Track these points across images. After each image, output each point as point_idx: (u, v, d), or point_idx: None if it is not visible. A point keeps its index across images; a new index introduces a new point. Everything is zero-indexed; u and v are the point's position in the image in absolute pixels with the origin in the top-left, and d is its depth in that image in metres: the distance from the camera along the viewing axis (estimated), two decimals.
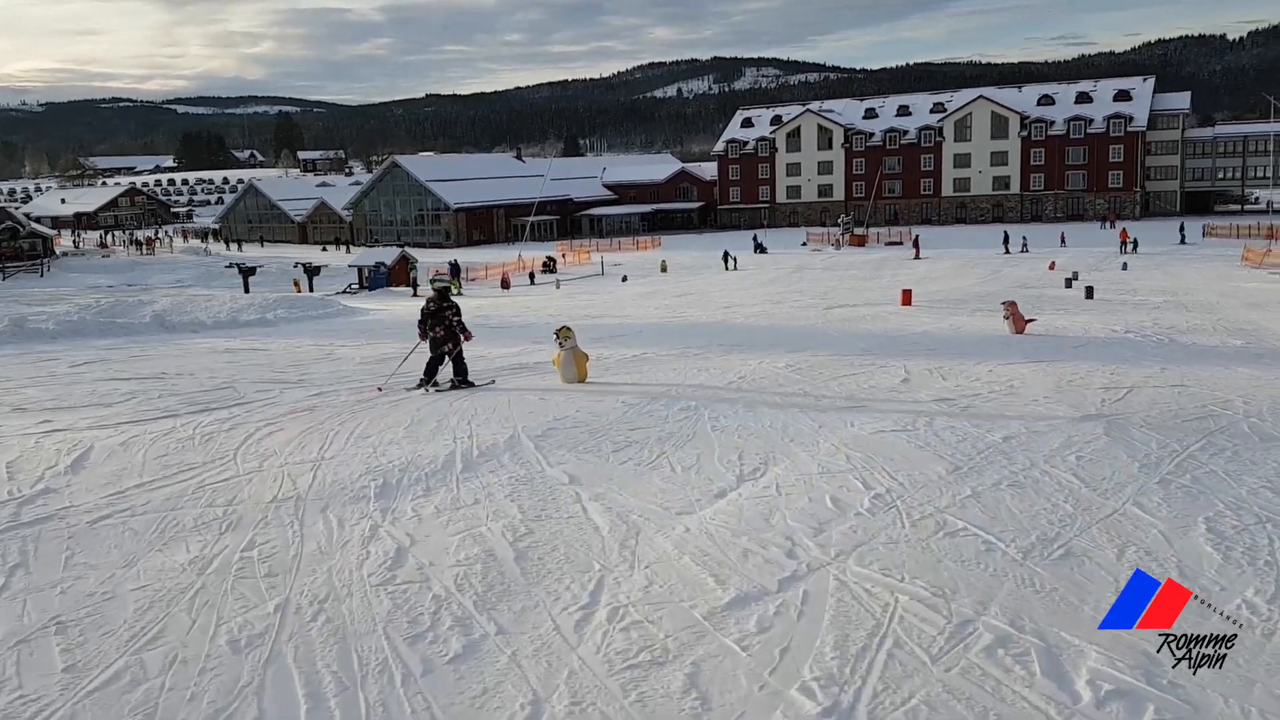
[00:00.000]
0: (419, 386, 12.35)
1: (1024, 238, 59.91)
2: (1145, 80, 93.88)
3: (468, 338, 12.77)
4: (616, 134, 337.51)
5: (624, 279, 52.58)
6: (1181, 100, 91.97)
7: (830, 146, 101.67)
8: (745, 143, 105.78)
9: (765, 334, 19.39)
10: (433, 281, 13.49)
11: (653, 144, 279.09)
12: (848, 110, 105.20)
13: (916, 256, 58.30)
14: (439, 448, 8.86)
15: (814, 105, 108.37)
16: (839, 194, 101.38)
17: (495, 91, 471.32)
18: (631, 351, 16.50)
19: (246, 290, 51.44)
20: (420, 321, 12.66)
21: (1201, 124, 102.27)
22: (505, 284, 48.12)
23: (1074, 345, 16.31)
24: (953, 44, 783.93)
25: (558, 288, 48.08)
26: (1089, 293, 28.59)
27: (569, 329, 12.77)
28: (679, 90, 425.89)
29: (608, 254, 74.99)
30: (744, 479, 7.56)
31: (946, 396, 11.19)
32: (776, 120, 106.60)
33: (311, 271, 58.89)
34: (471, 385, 12.53)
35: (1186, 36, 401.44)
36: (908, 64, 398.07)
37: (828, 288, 36.04)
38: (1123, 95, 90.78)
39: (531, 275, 54.84)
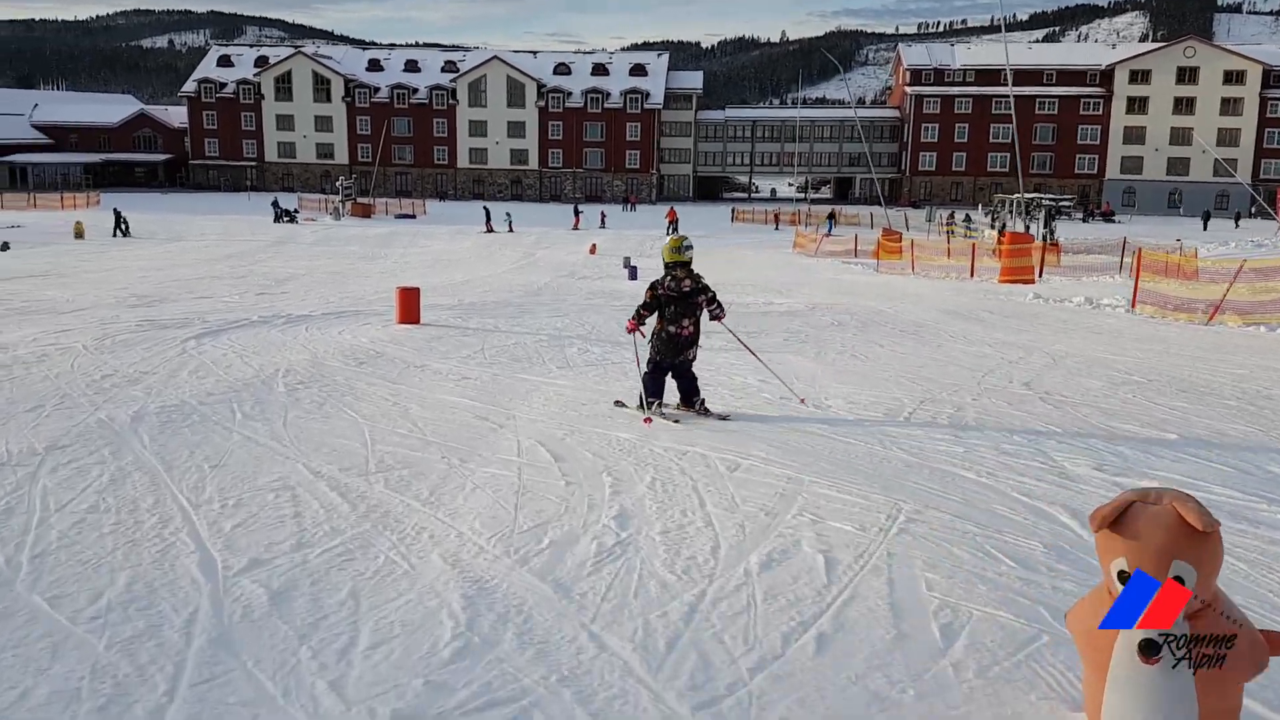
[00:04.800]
0: (643, 409, 7.23)
1: (507, 214, 52.00)
2: (660, 55, 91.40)
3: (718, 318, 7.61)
4: (94, 82, 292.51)
5: (4, 246, 36.01)
6: (694, 79, 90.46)
7: (329, 98, 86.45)
8: (223, 84, 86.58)
9: None
10: (680, 246, 7.36)
11: (142, 98, 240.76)
12: (349, 59, 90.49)
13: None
14: None
15: (308, 48, 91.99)
16: (342, 156, 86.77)
17: None
18: None
19: None
20: (642, 307, 7.35)
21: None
22: None
23: None
24: (456, 30, 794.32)
25: None
26: None
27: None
28: (171, 42, 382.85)
29: (15, 213, 54.33)
30: None
31: None
32: (262, 61, 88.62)
33: None
34: (710, 413, 7.37)
35: (667, 41, 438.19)
36: (418, 43, 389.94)
37: (289, 274, 22.83)
38: (639, 69, 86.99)
39: None
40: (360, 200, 64.47)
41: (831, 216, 57.30)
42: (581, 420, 7.01)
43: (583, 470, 5.40)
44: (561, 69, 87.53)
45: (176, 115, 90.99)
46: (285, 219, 52.55)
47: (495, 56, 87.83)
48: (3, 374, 8.00)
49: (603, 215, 57.84)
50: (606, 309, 15.49)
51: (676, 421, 7.03)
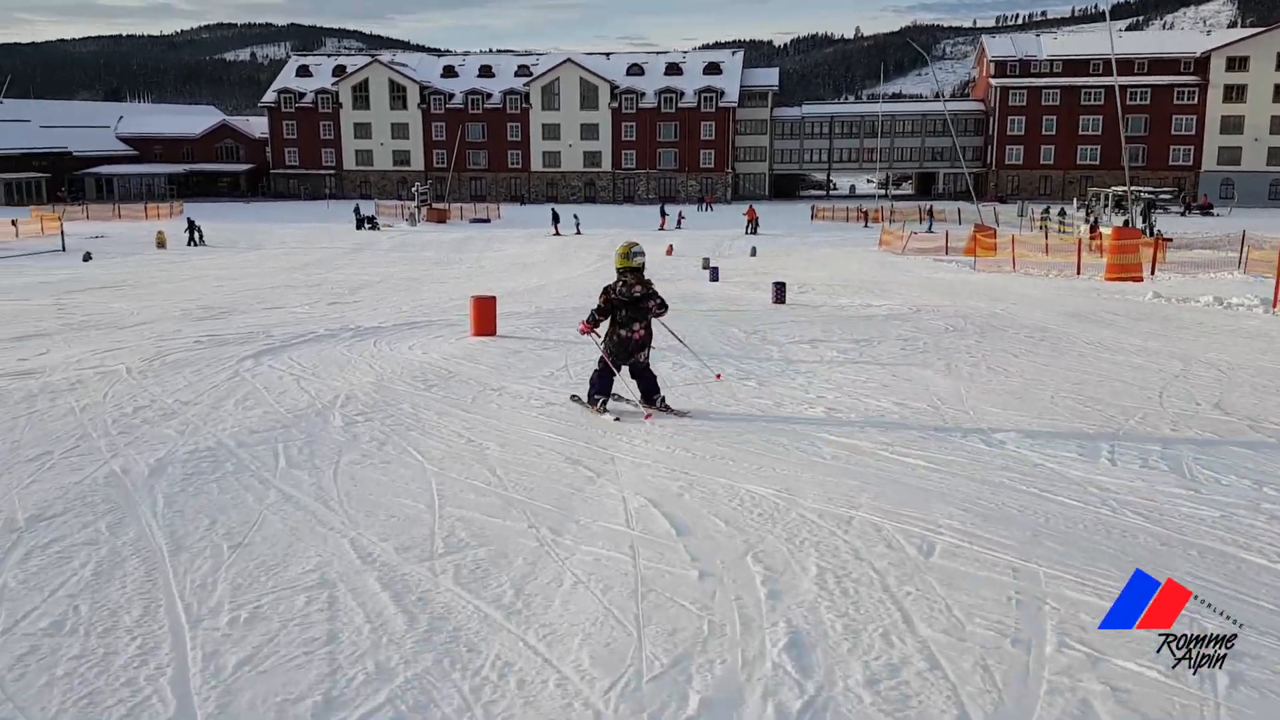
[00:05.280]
0: (593, 406, 7.51)
1: (575, 216, 51.37)
2: (734, 54, 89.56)
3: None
4: (179, 95, 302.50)
5: (86, 257, 36.54)
6: (770, 76, 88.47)
7: (405, 106, 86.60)
8: (302, 94, 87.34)
9: None
10: (630, 252, 7.56)
11: (223, 109, 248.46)
12: (424, 66, 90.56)
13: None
14: None
15: (384, 56, 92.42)
16: (418, 162, 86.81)
17: (32, 43, 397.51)
18: None
19: None
20: (596, 311, 7.53)
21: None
22: None
23: None
24: (528, 35, 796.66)
25: None
26: (779, 294, 17.34)
27: None
28: (253, 54, 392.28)
29: (100, 224, 55.01)
30: None
31: None
32: (340, 71, 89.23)
33: None
34: (670, 410, 7.55)
35: (739, 41, 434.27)
36: (491, 49, 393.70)
37: (362, 281, 21.96)
38: (713, 68, 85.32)
39: None
40: (436, 205, 64.21)
41: (931, 213, 54.89)
42: (696, 464, 5.65)
43: (718, 550, 4.02)
44: (635, 70, 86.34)
45: (257, 125, 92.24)
46: (368, 225, 52.45)
47: (568, 59, 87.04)
48: (22, 408, 6.95)
49: (680, 215, 56.56)
50: (692, 314, 14.06)
51: (617, 419, 7.14)
